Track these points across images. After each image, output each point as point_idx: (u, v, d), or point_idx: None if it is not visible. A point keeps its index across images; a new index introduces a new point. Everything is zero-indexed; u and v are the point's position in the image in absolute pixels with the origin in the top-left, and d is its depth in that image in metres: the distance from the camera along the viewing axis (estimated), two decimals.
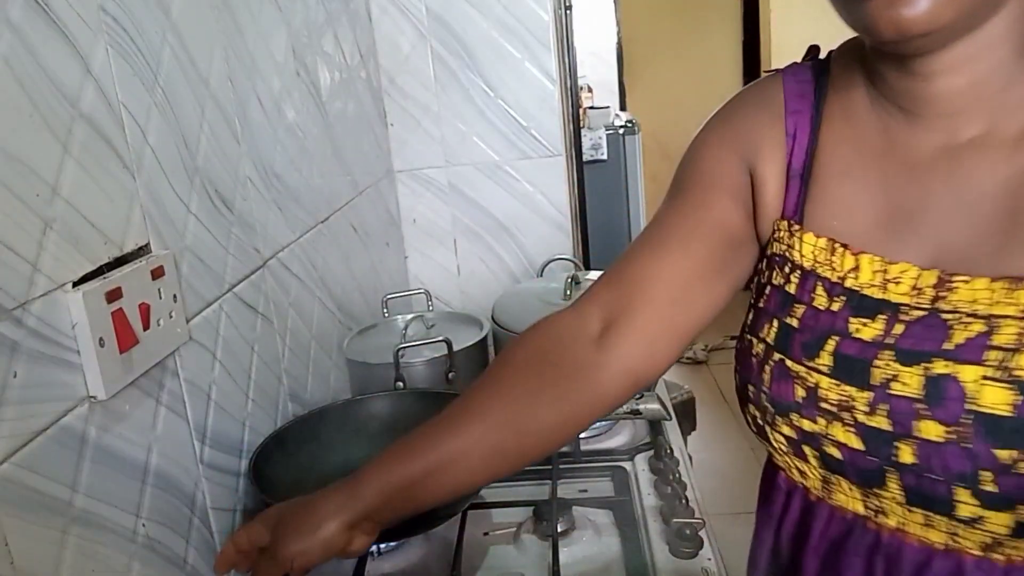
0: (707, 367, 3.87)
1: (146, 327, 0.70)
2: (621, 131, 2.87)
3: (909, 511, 0.60)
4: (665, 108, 4.59)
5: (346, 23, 1.43)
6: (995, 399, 0.53)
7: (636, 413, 1.00)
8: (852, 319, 0.61)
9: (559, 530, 0.92)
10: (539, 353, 0.71)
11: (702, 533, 0.89)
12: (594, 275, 1.31)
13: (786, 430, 0.65)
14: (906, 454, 0.57)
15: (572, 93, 1.72)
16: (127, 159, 0.71)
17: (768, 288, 0.68)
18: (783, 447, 0.66)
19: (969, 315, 0.55)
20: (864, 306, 0.61)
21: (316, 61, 1.26)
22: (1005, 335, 0.53)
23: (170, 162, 0.78)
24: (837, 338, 0.61)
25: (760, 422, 0.67)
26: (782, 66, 0.72)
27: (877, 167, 0.63)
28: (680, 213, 0.71)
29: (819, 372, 0.62)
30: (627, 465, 1.08)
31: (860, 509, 0.64)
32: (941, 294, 0.57)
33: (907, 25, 0.52)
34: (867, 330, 0.60)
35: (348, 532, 0.66)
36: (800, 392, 0.62)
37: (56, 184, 0.60)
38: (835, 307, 0.62)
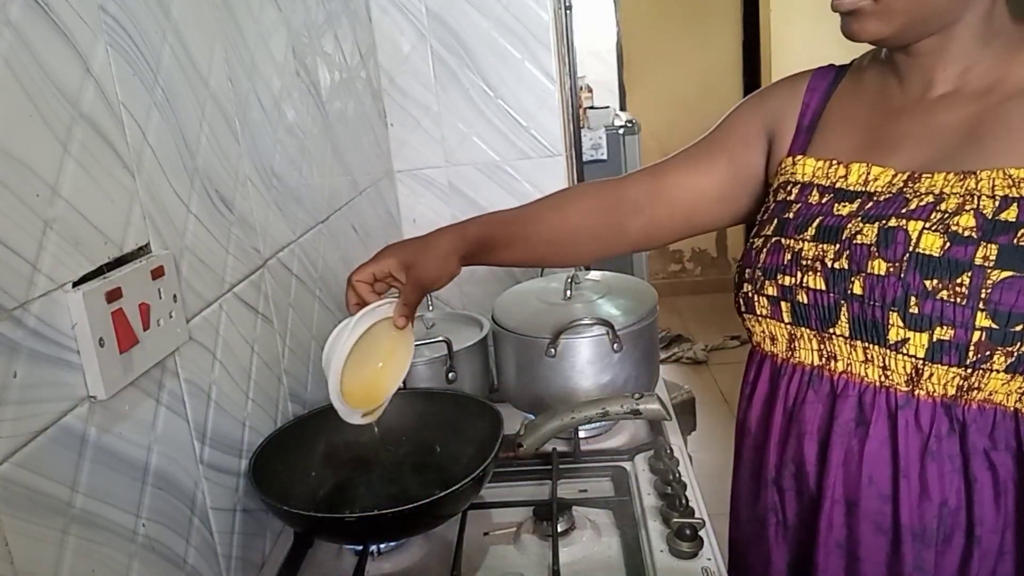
0: (707, 367, 3.87)
1: (146, 327, 0.70)
2: (621, 131, 2.87)
3: (852, 348, 0.77)
4: (665, 108, 4.58)
5: (346, 23, 1.43)
6: (928, 243, 0.72)
7: (636, 413, 0.99)
8: (836, 204, 0.80)
9: (559, 530, 0.92)
10: (599, 202, 0.99)
11: (702, 533, 0.89)
12: (595, 275, 1.31)
13: (770, 290, 0.83)
14: (857, 286, 0.75)
15: (572, 93, 1.71)
16: (127, 159, 0.71)
17: (772, 204, 0.87)
18: (765, 311, 0.84)
19: (926, 193, 0.75)
20: (847, 196, 0.80)
21: (316, 61, 1.26)
22: (949, 204, 0.73)
23: (170, 162, 0.78)
24: (822, 217, 0.80)
25: (751, 295, 0.85)
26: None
27: (869, 115, 0.84)
28: (710, 147, 0.96)
29: (805, 241, 0.80)
30: (627, 465, 1.08)
31: (816, 360, 0.81)
32: (909, 185, 0.76)
33: (855, 36, 0.77)
34: (845, 208, 0.79)
35: (458, 262, 0.91)
36: (787, 257, 0.81)
37: (56, 184, 0.60)
38: (824, 200, 0.82)
